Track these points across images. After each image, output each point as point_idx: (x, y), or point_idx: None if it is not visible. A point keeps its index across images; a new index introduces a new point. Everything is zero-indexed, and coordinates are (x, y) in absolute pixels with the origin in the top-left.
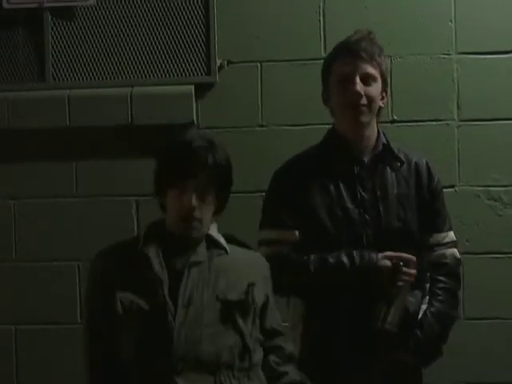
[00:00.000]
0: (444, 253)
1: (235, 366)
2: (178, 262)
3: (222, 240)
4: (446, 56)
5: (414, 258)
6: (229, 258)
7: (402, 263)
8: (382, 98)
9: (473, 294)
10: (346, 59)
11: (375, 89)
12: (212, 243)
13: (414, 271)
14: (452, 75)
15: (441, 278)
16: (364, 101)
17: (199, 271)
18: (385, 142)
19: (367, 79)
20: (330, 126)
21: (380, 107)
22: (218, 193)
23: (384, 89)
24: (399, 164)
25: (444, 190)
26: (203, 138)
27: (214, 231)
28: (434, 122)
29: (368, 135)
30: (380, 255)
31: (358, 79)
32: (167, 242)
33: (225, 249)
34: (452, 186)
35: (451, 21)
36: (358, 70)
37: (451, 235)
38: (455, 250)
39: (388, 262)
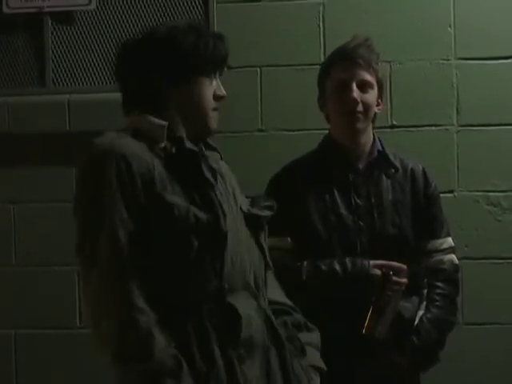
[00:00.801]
0: (442, 259)
1: (265, 290)
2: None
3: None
4: (445, 61)
5: (404, 267)
6: (223, 163)
7: (392, 272)
8: (378, 105)
9: (472, 300)
10: (343, 65)
11: (372, 96)
12: (209, 147)
13: (404, 280)
14: (451, 80)
15: (438, 283)
16: (360, 108)
17: (218, 179)
18: (380, 148)
19: (364, 86)
20: (326, 132)
21: (375, 113)
22: None
23: (380, 95)
24: (394, 170)
25: (443, 195)
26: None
27: None
28: (433, 128)
29: (363, 142)
30: (371, 263)
31: (354, 86)
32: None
33: (220, 153)
34: (451, 192)
35: (450, 26)
36: (355, 77)
37: (449, 241)
38: (453, 256)
39: (378, 271)
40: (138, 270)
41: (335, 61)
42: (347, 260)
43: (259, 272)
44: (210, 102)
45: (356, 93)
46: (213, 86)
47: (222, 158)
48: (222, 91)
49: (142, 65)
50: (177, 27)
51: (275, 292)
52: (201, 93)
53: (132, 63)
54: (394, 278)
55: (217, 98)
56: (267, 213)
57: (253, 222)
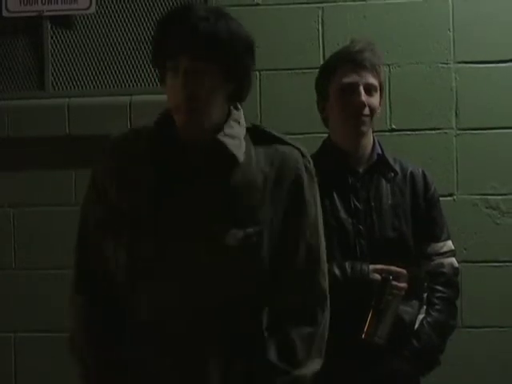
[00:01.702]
0: (442, 262)
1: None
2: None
3: (235, 145)
4: (444, 65)
5: (404, 272)
6: (242, 170)
7: (391, 277)
8: (379, 109)
9: (471, 303)
10: (350, 69)
11: (376, 99)
12: (220, 149)
13: (403, 285)
14: (450, 84)
15: (438, 287)
16: (367, 111)
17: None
18: (380, 152)
19: (370, 90)
20: (326, 136)
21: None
22: (230, 73)
23: (381, 99)
24: (393, 174)
25: (442, 198)
26: (207, 5)
27: (229, 127)
28: (432, 131)
29: (364, 145)
30: (371, 268)
31: (362, 89)
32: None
33: (236, 159)
34: (450, 195)
35: (450, 30)
36: (363, 80)
37: (449, 244)
38: (453, 260)
39: (377, 276)
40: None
41: (340, 63)
42: (347, 264)
43: (211, 294)
44: (177, 97)
45: (364, 96)
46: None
47: (235, 165)
48: (177, 85)
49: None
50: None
51: (271, 351)
52: (168, 87)
53: None
54: (394, 283)
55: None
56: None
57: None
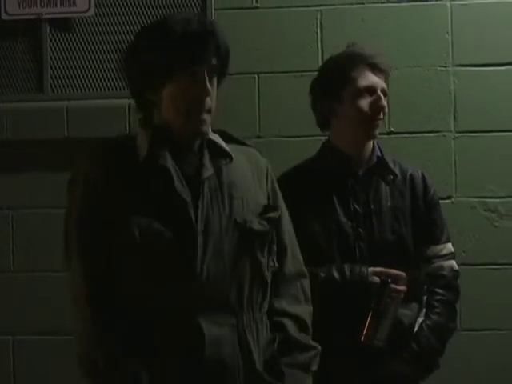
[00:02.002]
0: (442, 265)
1: (256, 306)
2: (186, 177)
3: (224, 144)
4: (442, 68)
5: (403, 274)
6: (234, 166)
7: (390, 280)
8: None
9: (469, 305)
10: (368, 72)
11: (386, 103)
12: (215, 149)
13: (403, 288)
14: (449, 87)
15: (438, 290)
16: (382, 115)
17: (210, 189)
18: (379, 154)
19: (384, 94)
20: (326, 139)
21: None
22: (220, 83)
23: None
24: (392, 177)
25: (441, 201)
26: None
27: (211, 133)
28: (430, 134)
29: (366, 148)
30: (370, 270)
31: (381, 94)
32: (171, 147)
33: (230, 156)
34: (449, 198)
35: (448, 33)
36: (381, 84)
37: (449, 247)
38: (453, 262)
39: (376, 279)
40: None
41: (357, 66)
42: (346, 267)
43: (247, 288)
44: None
45: (383, 100)
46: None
47: (231, 161)
48: (206, 89)
49: None
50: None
51: (285, 300)
52: (178, 89)
53: None
54: (393, 286)
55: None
56: (261, 227)
57: (246, 235)
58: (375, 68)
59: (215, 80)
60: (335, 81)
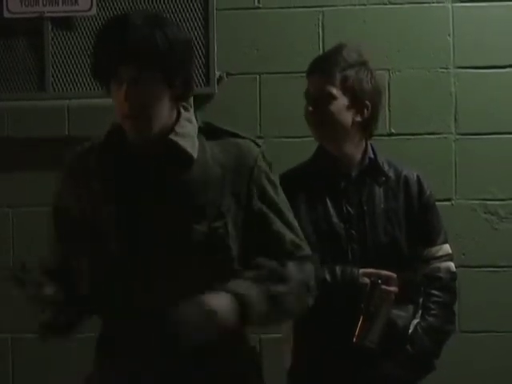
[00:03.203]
0: (438, 266)
1: None
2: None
3: (189, 144)
4: (443, 70)
5: (394, 275)
6: (195, 167)
7: (380, 281)
8: (359, 113)
9: (468, 308)
10: (307, 79)
11: (336, 106)
12: (173, 149)
13: (393, 288)
14: (450, 89)
15: (434, 291)
16: (319, 119)
17: (153, 194)
18: (372, 156)
19: (325, 98)
20: None
21: (359, 122)
22: (173, 78)
23: (355, 103)
24: (384, 178)
25: (441, 203)
26: (144, 13)
27: (180, 127)
28: (431, 136)
29: (349, 151)
30: (360, 272)
31: (312, 99)
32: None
33: (190, 157)
34: (449, 200)
35: (449, 35)
36: (313, 90)
37: (445, 248)
38: (450, 264)
39: (366, 280)
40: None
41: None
42: (337, 268)
43: (183, 292)
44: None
45: (311, 105)
46: (120, 89)
47: (190, 162)
48: (121, 96)
49: None
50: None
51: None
52: (113, 97)
53: None
54: (383, 287)
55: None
56: (200, 237)
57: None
58: (310, 72)
59: (153, 81)
60: None
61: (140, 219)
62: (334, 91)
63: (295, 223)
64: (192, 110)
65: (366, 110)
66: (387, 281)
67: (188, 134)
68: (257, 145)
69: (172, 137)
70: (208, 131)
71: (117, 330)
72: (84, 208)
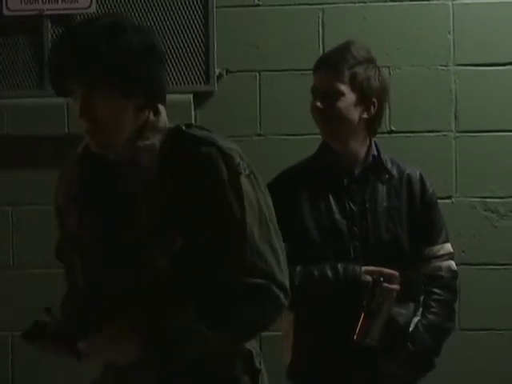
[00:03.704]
0: (440, 265)
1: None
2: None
3: (146, 157)
4: (444, 67)
5: (395, 273)
6: (156, 181)
7: (382, 278)
8: (366, 110)
9: (468, 305)
10: (316, 75)
11: (344, 103)
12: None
13: (395, 286)
14: (450, 87)
15: (435, 290)
16: (327, 116)
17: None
18: (375, 153)
19: (333, 94)
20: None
21: (365, 119)
22: (127, 90)
23: (363, 100)
24: (388, 176)
25: (441, 201)
26: (98, 23)
27: (143, 139)
28: (431, 133)
29: (354, 148)
30: (363, 269)
31: (319, 95)
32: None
33: (150, 170)
34: (449, 197)
35: (449, 32)
36: (322, 86)
37: (447, 247)
38: (451, 262)
39: (369, 278)
40: None
41: (316, 67)
42: (339, 266)
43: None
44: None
45: (319, 102)
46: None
47: (151, 174)
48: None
49: None
50: None
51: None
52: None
53: None
54: (385, 285)
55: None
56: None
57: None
58: (318, 69)
59: (102, 91)
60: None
61: (107, 231)
62: (343, 88)
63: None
64: (162, 113)
65: (372, 108)
66: (389, 279)
67: (149, 147)
68: (221, 151)
69: (133, 153)
70: (178, 137)
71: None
72: (66, 221)
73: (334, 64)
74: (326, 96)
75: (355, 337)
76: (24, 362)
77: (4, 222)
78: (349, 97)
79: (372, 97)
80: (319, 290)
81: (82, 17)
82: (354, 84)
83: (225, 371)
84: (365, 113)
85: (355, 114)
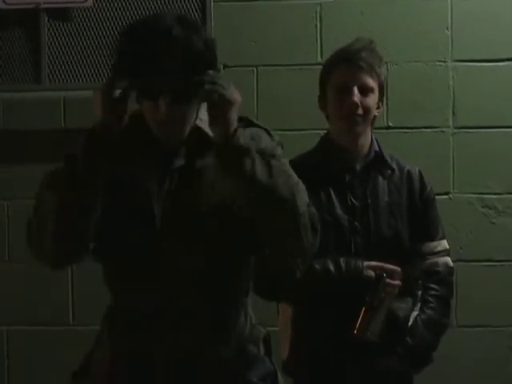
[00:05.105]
0: (436, 261)
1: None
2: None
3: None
4: (441, 63)
5: (398, 269)
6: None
7: (385, 274)
8: (378, 108)
9: (465, 302)
10: (345, 68)
11: (372, 100)
12: (201, 136)
13: (397, 282)
14: (448, 83)
15: (432, 285)
16: (360, 111)
17: (179, 179)
18: (377, 149)
19: (365, 90)
20: (324, 132)
21: (374, 116)
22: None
23: (380, 98)
24: (390, 172)
25: (438, 197)
26: (172, 16)
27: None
28: (429, 129)
29: (361, 144)
30: (365, 264)
31: (356, 90)
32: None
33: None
34: (446, 193)
35: (447, 28)
36: (357, 81)
37: (444, 244)
38: (448, 259)
39: (371, 273)
40: None
41: (337, 63)
42: (341, 260)
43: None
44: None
45: (357, 97)
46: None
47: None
48: (163, 112)
49: None
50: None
51: None
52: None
53: None
54: (388, 280)
55: None
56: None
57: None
58: (354, 65)
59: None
60: (321, 77)
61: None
62: (373, 84)
63: None
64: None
65: (381, 105)
66: (392, 274)
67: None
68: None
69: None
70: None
71: (131, 303)
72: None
73: (368, 60)
74: (360, 92)
75: (356, 331)
76: (20, 357)
77: (0, 217)
78: (375, 94)
79: (383, 95)
80: (321, 284)
81: (79, 11)
82: (378, 82)
83: (254, 350)
84: (377, 110)
85: (375, 111)
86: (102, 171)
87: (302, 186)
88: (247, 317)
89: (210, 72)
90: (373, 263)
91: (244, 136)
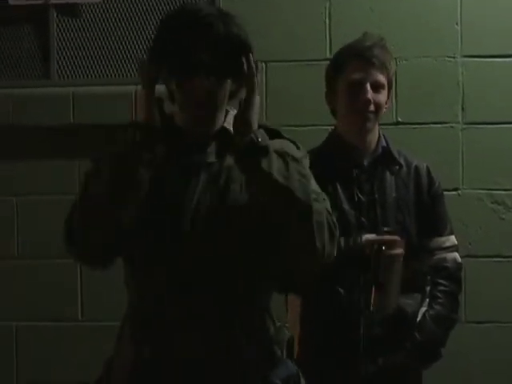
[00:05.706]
0: (445, 257)
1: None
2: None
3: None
4: (451, 59)
5: (397, 238)
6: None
7: (384, 247)
8: (386, 103)
9: (474, 298)
10: (358, 65)
11: (383, 96)
12: (228, 137)
13: (399, 251)
14: (457, 78)
15: (441, 281)
16: (372, 108)
17: (209, 176)
18: (384, 144)
19: (377, 87)
20: (332, 128)
21: (383, 112)
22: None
23: (389, 94)
24: (398, 167)
25: (447, 192)
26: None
27: (231, 121)
28: (438, 125)
29: (370, 139)
30: (363, 239)
31: (368, 87)
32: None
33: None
34: (455, 189)
35: (457, 24)
36: (370, 78)
37: (452, 239)
38: (456, 254)
39: (370, 246)
40: None
41: (349, 59)
42: (341, 239)
43: (226, 292)
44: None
45: (370, 94)
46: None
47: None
48: (203, 92)
49: None
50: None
51: None
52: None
53: None
54: (388, 252)
55: None
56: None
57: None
58: (368, 61)
59: (225, 83)
60: (331, 72)
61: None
62: (385, 81)
63: None
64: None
65: (389, 101)
66: (391, 245)
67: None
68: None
69: (226, 125)
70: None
71: (156, 303)
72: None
73: (380, 57)
74: (373, 89)
75: (371, 307)
76: (28, 353)
77: (9, 212)
78: (386, 90)
79: (391, 91)
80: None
81: (88, 6)
82: (388, 78)
83: (278, 353)
84: (385, 106)
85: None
86: (151, 163)
87: (322, 196)
88: (271, 318)
89: (250, 55)
90: (371, 237)
91: (263, 135)
